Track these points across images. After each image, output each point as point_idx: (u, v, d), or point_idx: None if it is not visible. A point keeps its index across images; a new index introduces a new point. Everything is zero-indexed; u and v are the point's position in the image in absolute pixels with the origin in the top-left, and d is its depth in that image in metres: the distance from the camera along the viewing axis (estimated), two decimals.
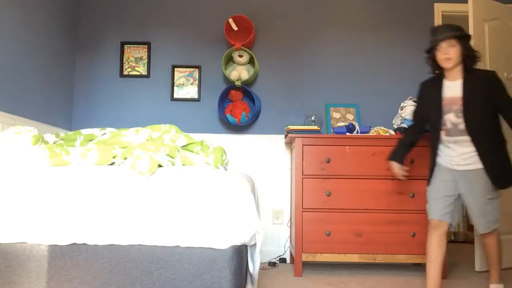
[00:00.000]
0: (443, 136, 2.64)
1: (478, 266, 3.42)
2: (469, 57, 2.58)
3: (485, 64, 3.62)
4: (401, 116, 3.47)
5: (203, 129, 3.89)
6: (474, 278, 3.26)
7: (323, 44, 3.97)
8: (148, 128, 2.30)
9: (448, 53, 2.55)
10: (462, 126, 2.55)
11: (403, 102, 3.53)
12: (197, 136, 3.83)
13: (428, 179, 2.74)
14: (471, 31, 3.54)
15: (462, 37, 2.57)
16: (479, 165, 2.53)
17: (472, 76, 2.59)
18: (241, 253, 1.87)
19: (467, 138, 2.55)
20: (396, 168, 2.80)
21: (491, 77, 2.60)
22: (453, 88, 2.60)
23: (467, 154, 2.56)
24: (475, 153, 2.53)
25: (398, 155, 2.82)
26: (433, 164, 2.70)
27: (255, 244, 1.97)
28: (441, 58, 2.58)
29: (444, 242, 2.60)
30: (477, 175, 2.54)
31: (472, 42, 2.63)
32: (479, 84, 2.56)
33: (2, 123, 2.71)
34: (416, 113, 2.88)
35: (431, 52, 2.66)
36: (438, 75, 2.69)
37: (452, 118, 2.57)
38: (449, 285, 3.05)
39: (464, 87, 2.56)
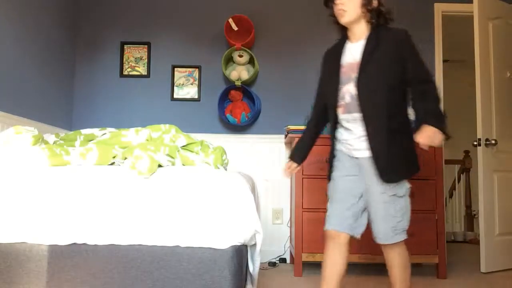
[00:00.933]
0: (340, 113, 2.01)
1: (483, 267, 3.41)
2: (372, 11, 1.98)
3: (489, 63, 3.62)
4: None
5: (203, 129, 3.89)
6: (476, 279, 3.26)
7: (323, 44, 3.96)
8: (148, 128, 2.30)
9: (343, 4, 1.96)
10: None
11: None
12: (197, 136, 3.83)
13: (328, 175, 2.11)
14: (476, 30, 3.54)
15: None
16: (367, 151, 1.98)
17: (377, 35, 1.97)
18: (241, 253, 1.87)
19: (361, 116, 1.96)
20: (293, 166, 2.22)
21: (401, 37, 1.97)
22: (354, 51, 2.00)
23: (364, 137, 1.96)
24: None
25: (299, 155, 2.23)
26: (332, 154, 2.10)
27: (255, 244, 1.98)
28: (335, 10, 2.01)
29: (344, 256, 2.03)
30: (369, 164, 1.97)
31: None
32: (386, 45, 1.94)
33: (2, 123, 2.72)
34: (317, 90, 2.23)
35: (328, 5, 2.06)
36: (343, 38, 2.10)
37: (352, 89, 1.96)
38: (450, 285, 3.05)
39: (365, 48, 1.95)
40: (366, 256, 3.22)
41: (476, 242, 5.15)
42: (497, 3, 3.73)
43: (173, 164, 2.06)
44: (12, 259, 1.82)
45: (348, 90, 1.97)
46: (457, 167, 5.93)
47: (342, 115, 2.01)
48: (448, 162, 5.09)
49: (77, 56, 3.98)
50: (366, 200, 2.00)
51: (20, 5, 2.97)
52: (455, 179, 5.97)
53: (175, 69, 3.96)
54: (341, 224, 1.99)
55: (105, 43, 4.00)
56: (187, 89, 3.96)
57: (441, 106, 2.02)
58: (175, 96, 3.95)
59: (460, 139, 5.82)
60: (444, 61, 4.15)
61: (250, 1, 4.04)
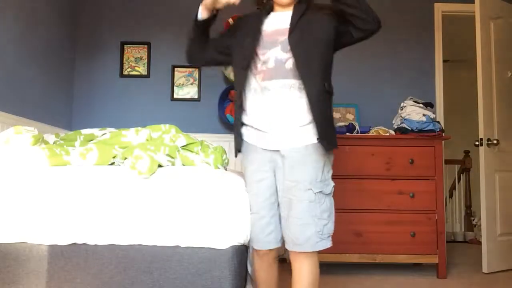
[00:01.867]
0: (259, 80, 1.80)
1: (485, 267, 3.40)
2: None
3: (490, 62, 3.62)
4: (401, 116, 3.47)
5: (203, 129, 3.88)
6: (477, 279, 3.26)
7: None
8: (148, 128, 2.29)
9: None
10: (290, 64, 1.76)
11: (403, 102, 3.53)
12: (197, 136, 3.82)
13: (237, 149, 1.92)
14: (477, 29, 3.54)
15: None
16: (309, 139, 1.74)
17: (304, 4, 1.85)
18: (241, 253, 1.87)
19: (294, 82, 1.75)
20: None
21: (327, 5, 1.84)
22: (280, 18, 1.85)
23: (292, 119, 1.75)
24: (302, 117, 1.74)
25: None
26: (238, 143, 1.89)
27: None
28: None
29: (275, 267, 1.90)
30: (305, 154, 1.74)
31: None
32: (315, 12, 1.83)
33: (2, 123, 2.71)
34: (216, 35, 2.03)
35: None
36: (266, 8, 1.93)
37: (278, 53, 1.78)
38: (450, 285, 3.05)
39: (294, 14, 1.81)
40: (366, 256, 3.22)
41: (476, 242, 5.15)
42: (498, 2, 3.73)
43: (173, 164, 2.06)
44: (12, 259, 1.82)
45: (274, 55, 1.79)
46: (457, 167, 5.92)
47: (261, 82, 1.79)
48: (448, 162, 5.09)
49: (77, 56, 3.98)
50: (284, 198, 1.76)
51: (20, 5, 2.97)
52: (455, 179, 5.97)
53: (175, 69, 3.96)
54: (268, 242, 1.80)
55: (105, 43, 4.00)
56: (187, 89, 3.96)
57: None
58: (175, 96, 3.95)
59: (460, 139, 5.82)
60: (444, 61, 4.15)
61: (250, 1, 4.03)
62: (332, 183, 1.79)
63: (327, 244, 1.75)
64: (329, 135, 1.75)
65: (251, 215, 1.82)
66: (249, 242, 1.87)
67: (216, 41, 2.01)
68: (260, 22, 1.88)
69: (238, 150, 1.93)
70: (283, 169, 1.78)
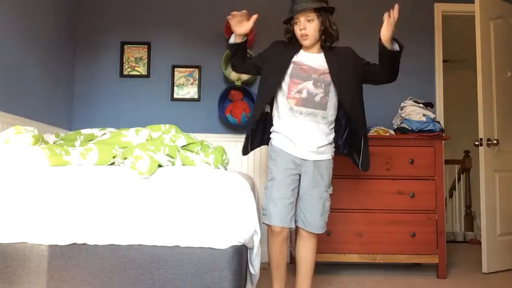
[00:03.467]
0: (292, 104, 2.30)
1: (485, 268, 3.40)
2: (326, 33, 2.30)
3: (490, 62, 3.62)
4: (401, 116, 3.47)
5: (203, 129, 3.88)
6: (477, 279, 3.26)
7: None
8: (148, 128, 2.30)
9: (306, 29, 2.26)
10: (318, 98, 2.28)
11: (403, 102, 3.53)
12: (197, 136, 3.83)
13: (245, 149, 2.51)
14: (477, 29, 3.54)
15: (323, 9, 2.27)
16: (328, 154, 2.36)
17: (333, 51, 2.37)
18: (241, 253, 1.87)
19: (321, 113, 2.30)
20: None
21: (351, 51, 2.44)
22: (314, 59, 2.33)
23: (322, 137, 2.32)
24: (331, 136, 2.37)
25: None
26: (256, 144, 2.52)
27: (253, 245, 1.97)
28: (298, 34, 2.30)
29: (286, 247, 2.37)
30: (326, 165, 2.36)
31: (332, 17, 2.35)
32: (346, 58, 2.38)
33: (2, 123, 2.71)
34: (255, 57, 2.52)
35: (288, 24, 2.35)
36: (296, 43, 2.39)
37: (310, 86, 2.28)
38: (450, 285, 3.05)
39: (328, 59, 2.32)
40: (366, 256, 3.22)
41: (476, 242, 5.15)
42: (498, 2, 3.73)
43: (173, 164, 2.06)
44: (12, 259, 1.82)
45: (306, 87, 2.29)
46: (457, 167, 5.93)
47: (296, 107, 2.30)
48: (448, 162, 5.09)
49: (77, 56, 3.98)
50: (307, 195, 2.33)
51: (20, 5, 2.97)
52: (455, 179, 5.97)
53: (175, 69, 3.96)
54: (284, 221, 2.27)
55: (105, 43, 4.00)
56: (187, 89, 3.96)
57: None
58: (175, 96, 3.95)
59: (460, 139, 5.82)
60: (444, 61, 4.15)
61: (250, 1, 4.03)
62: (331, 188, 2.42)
63: (325, 228, 2.40)
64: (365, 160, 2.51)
65: (279, 199, 2.26)
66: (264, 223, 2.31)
67: (254, 59, 2.51)
68: (293, 53, 2.34)
69: (249, 148, 2.53)
70: (308, 173, 2.32)
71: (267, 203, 2.29)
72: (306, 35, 2.27)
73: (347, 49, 2.42)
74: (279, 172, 2.31)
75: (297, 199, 2.36)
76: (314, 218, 2.32)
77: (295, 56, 2.33)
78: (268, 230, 2.32)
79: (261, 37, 3.97)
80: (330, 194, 2.39)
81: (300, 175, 2.35)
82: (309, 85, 2.28)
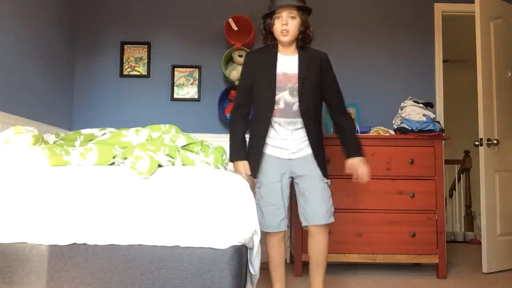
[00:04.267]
0: (274, 117, 2.34)
1: (485, 268, 3.40)
2: (305, 33, 2.34)
3: (490, 62, 3.62)
4: (401, 116, 3.47)
5: (203, 129, 3.89)
6: (477, 279, 3.26)
7: (322, 44, 3.95)
8: (148, 128, 2.30)
9: (287, 25, 2.27)
10: (295, 106, 2.32)
11: (403, 102, 3.53)
12: (197, 136, 3.83)
13: (253, 172, 2.38)
14: (477, 29, 3.54)
15: (304, 9, 2.31)
16: (309, 149, 2.36)
17: (307, 54, 2.38)
18: (241, 253, 1.87)
19: (299, 120, 2.34)
20: (241, 167, 2.38)
21: (324, 59, 2.41)
22: (288, 63, 2.36)
23: (300, 140, 2.36)
24: (306, 138, 2.35)
25: (241, 152, 2.41)
26: (259, 156, 2.37)
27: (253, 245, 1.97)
28: (278, 29, 2.29)
29: (283, 246, 2.42)
30: (310, 160, 2.36)
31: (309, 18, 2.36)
32: (314, 63, 2.37)
33: (2, 123, 2.71)
34: (241, 90, 2.47)
35: (268, 18, 2.34)
36: (270, 46, 2.41)
37: (287, 96, 2.33)
38: (450, 285, 3.05)
39: (301, 64, 2.35)
40: (366, 256, 3.22)
41: (476, 242, 5.14)
42: (498, 2, 3.74)
43: (173, 164, 2.06)
44: (12, 259, 1.82)
45: (283, 97, 2.33)
46: (457, 167, 5.93)
47: (275, 118, 2.34)
48: (448, 162, 5.09)
49: (77, 56, 3.98)
50: (304, 187, 2.35)
51: (20, 5, 2.97)
52: (455, 179, 5.97)
53: (175, 69, 3.96)
54: (279, 226, 2.33)
55: (105, 43, 4.00)
56: (187, 89, 3.96)
57: None
58: (175, 96, 3.95)
59: (460, 139, 5.82)
60: (444, 61, 4.15)
61: (250, 1, 4.03)
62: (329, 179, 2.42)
63: (332, 219, 2.35)
64: (323, 164, 2.40)
65: (268, 207, 2.31)
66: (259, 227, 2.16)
67: (246, 94, 2.45)
68: (273, 65, 2.35)
69: (256, 171, 2.39)
70: (298, 170, 2.35)
71: (257, 211, 2.23)
72: (287, 31, 2.28)
73: (322, 54, 2.43)
74: (266, 177, 2.35)
75: (294, 200, 2.42)
76: (313, 208, 2.31)
77: (276, 66, 2.35)
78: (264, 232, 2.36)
79: (261, 37, 3.96)
80: (327, 184, 2.36)
81: (292, 177, 2.39)
82: (286, 95, 2.32)
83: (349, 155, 2.42)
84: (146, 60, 3.97)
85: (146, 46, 3.98)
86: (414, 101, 3.46)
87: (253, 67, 2.42)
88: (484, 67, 3.55)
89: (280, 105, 2.32)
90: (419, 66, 4.00)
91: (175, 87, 3.95)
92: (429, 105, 3.49)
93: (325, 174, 2.37)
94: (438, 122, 3.39)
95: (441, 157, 3.33)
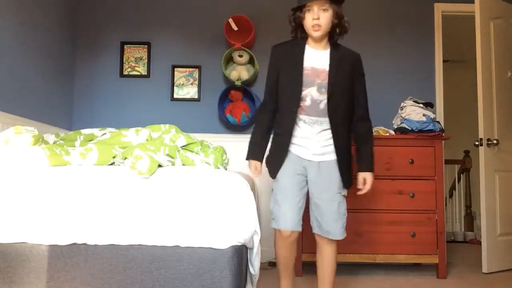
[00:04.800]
0: (299, 114, 2.18)
1: (485, 268, 3.40)
2: (339, 26, 2.17)
3: (490, 62, 3.62)
4: (401, 116, 3.47)
5: (203, 129, 3.88)
6: (477, 279, 3.26)
7: None
8: (148, 128, 2.30)
9: (319, 19, 2.10)
10: (323, 105, 2.15)
11: (403, 102, 3.52)
12: (197, 136, 3.83)
13: (273, 173, 2.26)
14: (477, 29, 3.53)
15: (337, 0, 2.15)
16: (333, 155, 2.20)
17: (339, 51, 2.22)
18: (241, 253, 1.87)
19: (326, 120, 2.17)
20: (253, 167, 2.32)
21: (358, 60, 2.26)
22: (318, 58, 2.18)
23: (324, 142, 2.19)
24: (331, 141, 2.19)
25: (256, 152, 2.32)
26: (283, 154, 2.21)
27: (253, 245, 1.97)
28: (309, 23, 2.12)
29: (295, 248, 2.29)
30: (333, 167, 2.20)
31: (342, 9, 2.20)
32: (347, 62, 2.20)
33: (2, 123, 2.71)
34: (267, 85, 2.31)
35: (298, 11, 2.17)
36: (299, 39, 2.24)
37: (314, 93, 2.15)
38: (450, 285, 3.05)
39: (332, 59, 2.17)
40: (366, 256, 3.22)
41: (476, 242, 5.14)
42: (498, 2, 3.73)
43: (173, 164, 2.06)
44: (12, 259, 1.82)
45: (310, 93, 2.16)
46: (457, 167, 5.92)
47: (301, 116, 2.19)
48: (448, 162, 5.09)
49: (77, 56, 3.98)
50: (319, 198, 2.20)
51: (20, 5, 2.97)
52: (455, 179, 5.97)
53: (175, 69, 3.96)
54: (295, 224, 2.18)
55: (105, 43, 4.00)
56: (187, 89, 3.96)
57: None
58: (175, 96, 3.95)
59: (460, 139, 5.82)
60: (444, 61, 4.15)
61: (250, 1, 4.03)
62: (346, 190, 2.29)
63: (345, 233, 2.24)
64: (349, 173, 2.27)
65: (285, 203, 2.17)
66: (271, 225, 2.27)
67: (273, 93, 2.28)
68: (300, 58, 2.18)
69: (277, 171, 2.25)
70: (315, 175, 2.20)
71: (273, 207, 2.24)
72: (319, 26, 2.10)
73: (355, 54, 2.28)
74: (283, 173, 2.21)
75: (308, 204, 2.28)
76: (329, 224, 2.18)
77: (304, 61, 2.18)
78: (276, 232, 2.26)
79: (261, 37, 3.97)
80: (344, 196, 2.26)
81: (306, 178, 2.24)
82: (313, 91, 2.15)
83: (361, 168, 2.30)
84: (146, 60, 3.97)
85: (146, 46, 3.97)
86: (414, 101, 3.46)
87: (279, 60, 2.25)
88: (484, 67, 3.55)
89: (306, 102, 2.16)
90: (419, 66, 4.00)
91: (175, 87, 3.95)
92: (429, 105, 3.49)
93: (347, 184, 2.25)
94: (438, 122, 3.38)
95: (441, 157, 3.33)
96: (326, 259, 2.27)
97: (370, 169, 2.30)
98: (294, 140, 2.21)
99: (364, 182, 2.29)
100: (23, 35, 3.02)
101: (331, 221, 2.18)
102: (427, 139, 3.29)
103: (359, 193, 2.28)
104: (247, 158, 2.33)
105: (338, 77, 2.16)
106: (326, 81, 2.14)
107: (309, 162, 2.20)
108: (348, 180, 2.25)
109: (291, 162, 2.20)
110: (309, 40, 2.22)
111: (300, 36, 2.22)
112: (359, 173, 2.31)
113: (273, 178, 2.26)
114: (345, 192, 2.26)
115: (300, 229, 2.20)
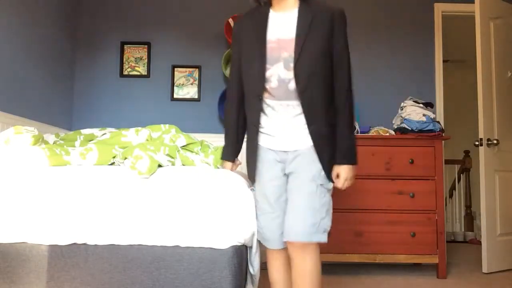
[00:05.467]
0: (265, 99, 1.77)
1: (485, 268, 3.40)
2: None
3: (490, 62, 3.62)
4: (401, 116, 3.47)
5: (203, 129, 3.88)
6: (477, 279, 3.26)
7: None
8: (148, 128, 2.30)
9: None
10: (293, 84, 1.72)
11: (403, 102, 3.53)
12: (197, 136, 3.83)
13: (251, 177, 1.89)
14: (477, 29, 3.53)
15: None
16: (309, 141, 1.74)
17: (311, 8, 1.74)
18: (241, 253, 1.87)
19: (298, 103, 1.73)
20: (229, 167, 2.00)
21: (338, 16, 1.75)
22: (283, 24, 1.75)
23: (300, 128, 1.76)
24: (305, 126, 1.74)
25: (228, 152, 1.97)
26: (254, 152, 1.84)
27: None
28: None
29: (289, 268, 1.82)
30: (312, 154, 1.74)
31: None
32: (322, 21, 1.71)
33: (2, 123, 2.71)
34: (232, 72, 1.91)
35: None
36: (263, 4, 1.81)
37: (281, 71, 1.72)
38: (450, 285, 3.05)
39: (300, 22, 1.71)
40: (366, 256, 3.22)
41: (476, 242, 5.14)
42: (498, 2, 3.73)
43: (173, 164, 2.06)
44: (12, 259, 1.82)
45: (276, 72, 1.72)
46: (457, 167, 5.92)
47: (268, 101, 1.77)
48: (448, 162, 5.09)
49: (77, 56, 3.98)
50: (289, 189, 1.76)
51: (20, 5, 2.97)
52: (455, 179, 5.97)
53: (175, 69, 3.96)
54: (282, 242, 1.79)
55: (105, 43, 4.00)
56: (187, 89, 3.96)
57: (353, 127, 1.81)
58: (175, 96, 3.95)
59: (460, 139, 5.82)
60: (444, 61, 4.15)
61: (250, 1, 4.03)
62: (331, 184, 1.81)
63: (322, 238, 1.69)
64: (329, 157, 1.76)
65: (265, 215, 1.83)
66: (258, 242, 1.93)
67: (240, 80, 1.89)
68: (263, 27, 1.76)
69: (254, 172, 1.88)
70: (291, 167, 1.79)
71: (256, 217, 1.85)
72: None
73: (333, 8, 1.76)
74: (259, 178, 1.84)
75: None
76: (290, 219, 1.69)
77: (267, 31, 1.76)
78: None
79: None
80: (327, 189, 1.76)
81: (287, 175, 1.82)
82: (279, 69, 1.72)
83: (335, 159, 1.77)
84: (146, 60, 3.97)
85: (146, 46, 3.97)
86: (414, 101, 3.46)
87: (241, 36, 1.86)
88: (484, 67, 3.55)
89: (272, 83, 1.73)
90: (419, 66, 4.00)
91: (175, 87, 3.96)
92: (429, 105, 3.49)
93: (329, 173, 1.77)
94: (438, 122, 3.38)
95: (441, 157, 3.33)
96: (296, 275, 1.72)
97: (344, 160, 1.75)
98: (263, 131, 1.81)
99: (338, 177, 1.77)
100: (23, 35, 3.02)
101: (295, 215, 1.68)
102: (427, 139, 3.29)
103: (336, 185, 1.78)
104: (221, 158, 2.02)
105: (308, 44, 1.69)
106: (293, 54, 1.71)
107: (285, 154, 1.79)
108: (329, 169, 1.77)
109: (267, 162, 1.82)
110: (274, 3, 1.78)
111: (263, 1, 1.81)
112: (334, 167, 1.77)
113: (253, 182, 1.90)
114: (329, 185, 1.77)
115: (283, 246, 1.81)
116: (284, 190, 1.81)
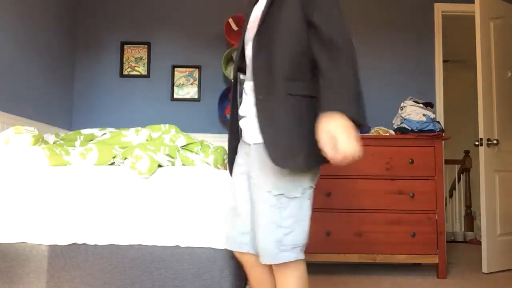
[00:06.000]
0: (241, 80, 1.60)
1: (485, 268, 3.40)
2: None
3: (490, 62, 3.62)
4: (401, 116, 3.47)
5: (203, 129, 3.89)
6: (477, 279, 3.26)
7: None
8: (148, 128, 2.30)
9: None
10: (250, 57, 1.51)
11: (403, 102, 3.53)
12: (197, 136, 3.83)
13: (230, 172, 1.64)
14: (477, 29, 3.53)
15: None
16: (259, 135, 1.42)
17: None
18: None
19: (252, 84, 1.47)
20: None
21: None
22: (260, 4, 1.52)
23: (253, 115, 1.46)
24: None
25: (230, 160, 1.64)
26: (235, 139, 1.60)
27: None
28: None
29: (269, 282, 1.53)
30: (262, 152, 1.40)
31: None
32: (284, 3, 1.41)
33: (2, 123, 2.71)
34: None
35: None
36: None
37: (249, 51, 1.50)
38: (450, 285, 3.05)
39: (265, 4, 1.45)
40: (366, 256, 3.22)
41: (476, 242, 5.14)
42: (498, 2, 3.74)
43: (173, 164, 2.06)
44: (12, 259, 1.82)
45: (248, 53, 1.51)
46: (457, 167, 5.93)
47: (244, 85, 1.56)
48: (448, 162, 5.09)
49: (77, 56, 3.98)
50: (253, 199, 1.46)
51: (20, 5, 2.97)
52: (455, 179, 5.97)
53: (175, 69, 3.96)
54: (240, 243, 1.52)
55: (105, 43, 4.00)
56: (187, 89, 3.96)
57: (357, 84, 1.32)
58: (175, 96, 3.95)
59: (460, 139, 5.82)
60: (444, 61, 4.16)
61: None
62: (304, 184, 1.42)
63: (292, 256, 1.38)
64: (284, 152, 1.36)
65: (229, 211, 1.59)
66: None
67: None
68: (250, 9, 1.57)
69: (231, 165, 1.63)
70: (249, 165, 1.49)
71: None
72: None
73: None
74: (233, 173, 1.61)
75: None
76: (257, 237, 1.42)
77: (255, 5, 1.57)
78: None
79: None
80: (291, 198, 1.40)
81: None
82: (249, 48, 1.50)
83: (322, 109, 1.29)
84: (146, 60, 3.97)
85: (146, 46, 3.98)
86: (414, 101, 3.46)
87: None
88: (484, 67, 3.55)
89: (247, 62, 1.54)
90: (419, 66, 4.00)
91: (175, 87, 3.96)
92: (429, 105, 3.49)
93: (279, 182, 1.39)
94: (438, 122, 3.38)
95: (441, 157, 3.33)
96: None
97: (339, 107, 1.27)
98: (240, 119, 1.57)
99: (328, 141, 1.26)
100: (23, 35, 3.02)
101: (257, 234, 1.41)
102: (427, 139, 3.29)
103: (333, 162, 1.28)
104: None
105: (269, 20, 1.42)
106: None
107: (248, 147, 1.51)
108: (283, 158, 1.35)
109: (239, 155, 1.58)
110: None
111: None
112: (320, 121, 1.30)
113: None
114: (295, 191, 1.40)
115: (249, 250, 1.50)
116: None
